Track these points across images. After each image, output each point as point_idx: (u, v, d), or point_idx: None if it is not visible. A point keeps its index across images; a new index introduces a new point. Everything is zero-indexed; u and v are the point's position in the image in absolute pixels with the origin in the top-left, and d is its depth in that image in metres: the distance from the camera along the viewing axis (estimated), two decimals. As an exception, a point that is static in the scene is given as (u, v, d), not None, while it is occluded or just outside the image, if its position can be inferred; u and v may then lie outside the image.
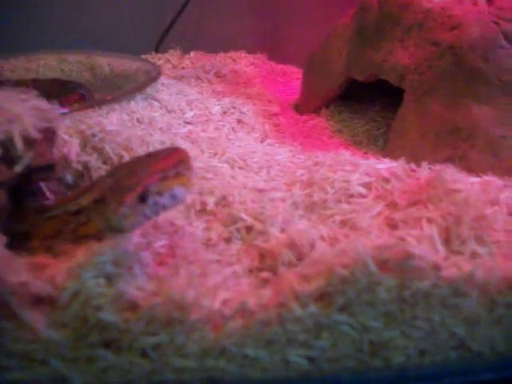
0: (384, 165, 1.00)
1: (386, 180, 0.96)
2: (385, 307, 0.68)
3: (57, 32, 1.71)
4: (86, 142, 0.92)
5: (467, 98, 1.07)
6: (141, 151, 0.97)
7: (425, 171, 0.97)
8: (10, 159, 0.75)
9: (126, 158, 0.94)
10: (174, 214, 0.92)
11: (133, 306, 0.64)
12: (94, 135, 0.92)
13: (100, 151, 0.93)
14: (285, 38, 1.74)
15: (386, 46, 1.20)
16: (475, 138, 1.06)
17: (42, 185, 0.84)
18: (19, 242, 0.71)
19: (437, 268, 0.69)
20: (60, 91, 1.32)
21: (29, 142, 0.76)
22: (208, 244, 0.85)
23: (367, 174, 0.98)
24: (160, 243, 0.83)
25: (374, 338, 0.69)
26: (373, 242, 0.78)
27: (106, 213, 0.68)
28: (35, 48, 1.67)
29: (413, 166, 1.00)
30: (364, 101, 1.36)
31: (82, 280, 0.65)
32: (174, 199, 0.72)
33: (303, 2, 1.72)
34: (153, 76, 1.29)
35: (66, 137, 0.91)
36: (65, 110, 1.02)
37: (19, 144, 0.75)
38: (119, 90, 1.48)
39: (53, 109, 0.84)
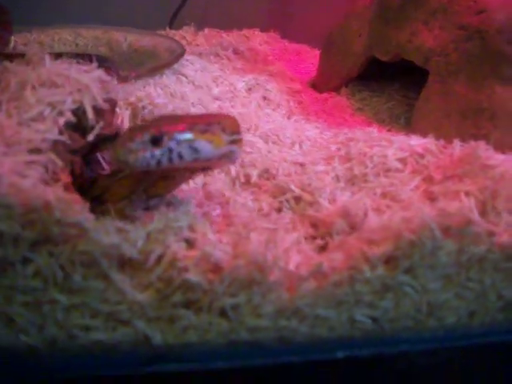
0: (415, 141, 1.05)
1: (421, 155, 1.01)
2: (444, 270, 0.73)
3: (69, 7, 1.70)
4: (135, 114, 0.95)
5: (491, 79, 1.13)
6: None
7: (457, 147, 1.02)
8: (81, 128, 0.77)
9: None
10: (220, 186, 0.96)
11: (216, 268, 0.68)
12: (143, 107, 0.95)
13: (149, 123, 0.95)
14: (297, 17, 1.76)
15: (409, 26, 1.25)
16: (498, 118, 1.12)
17: (98, 155, 0.86)
18: (93, 207, 0.73)
19: (491, 234, 0.74)
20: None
21: (98, 111, 0.78)
22: (260, 214, 0.89)
23: (402, 150, 1.03)
24: (215, 212, 0.87)
25: (431, 299, 0.75)
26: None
27: (116, 145, 0.69)
28: (46, 23, 1.65)
29: (442, 142, 1.05)
30: (382, 79, 1.40)
31: (166, 244, 0.68)
32: (196, 153, 0.72)
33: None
34: (180, 51, 1.31)
35: (117, 108, 0.93)
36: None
37: (90, 113, 0.77)
38: (138, 65, 1.49)
39: (112, 80, 0.86)
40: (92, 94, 0.78)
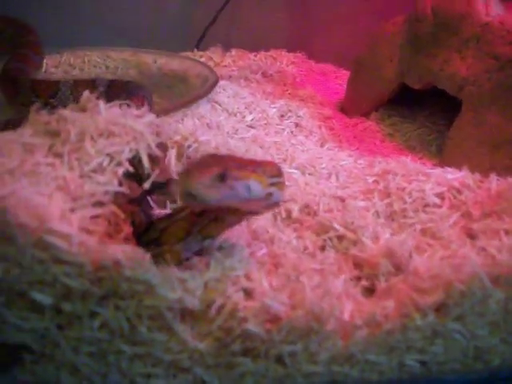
0: (452, 175, 1.07)
1: (458, 190, 1.03)
2: (492, 317, 0.76)
3: (97, 29, 1.73)
4: (181, 153, 0.97)
5: (526, 110, 1.15)
6: (228, 160, 1.01)
7: (493, 182, 1.03)
8: (137, 176, 0.80)
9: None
10: (263, 222, 0.98)
11: (274, 318, 0.70)
12: (189, 146, 0.97)
13: (193, 161, 0.98)
14: (321, 36, 1.78)
15: (442, 55, 1.26)
16: (532, 148, 1.13)
17: (149, 197, 0.89)
18: (150, 250, 0.75)
19: (539, 282, 0.76)
20: (120, 93, 1.35)
21: (153, 159, 0.81)
22: (306, 253, 0.91)
23: (439, 184, 1.04)
24: (261, 252, 0.89)
25: (478, 343, 0.77)
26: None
27: (188, 180, 0.70)
28: (75, 45, 1.68)
29: (478, 176, 1.07)
30: (412, 105, 1.42)
31: (226, 294, 0.70)
32: (248, 192, 0.75)
33: (340, 1, 1.76)
34: (214, 80, 1.33)
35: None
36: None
37: (146, 162, 0.79)
38: (168, 88, 1.51)
39: (162, 123, 0.88)
40: (147, 141, 0.80)
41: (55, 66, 1.63)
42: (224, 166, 0.73)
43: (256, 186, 0.76)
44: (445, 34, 1.27)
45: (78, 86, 1.37)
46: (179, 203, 0.88)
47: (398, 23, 1.42)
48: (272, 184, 0.79)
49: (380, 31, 1.47)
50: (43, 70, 1.59)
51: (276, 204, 0.83)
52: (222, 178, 0.72)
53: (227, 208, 0.78)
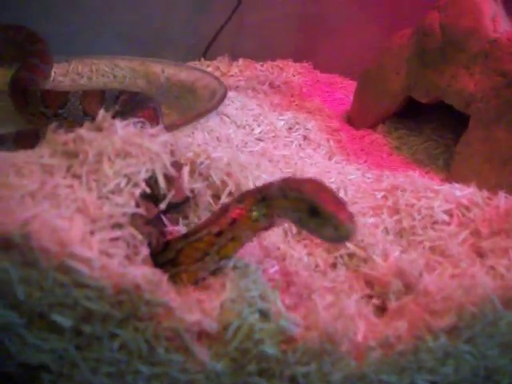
0: (460, 192, 1.08)
1: (466, 207, 1.04)
2: (502, 338, 0.77)
3: (105, 37, 1.73)
4: (194, 169, 0.98)
5: (532, 127, 1.16)
6: (240, 176, 1.02)
7: (502, 200, 1.04)
8: (153, 196, 0.81)
9: (229, 183, 1.00)
10: (274, 238, 0.99)
11: (289, 339, 0.71)
12: (201, 163, 0.98)
13: (206, 177, 0.99)
14: (328, 47, 1.79)
15: (449, 70, 1.27)
16: (539, 165, 1.15)
17: (163, 216, 0.90)
18: (167, 271, 0.76)
19: (547, 304, 0.77)
20: (129, 104, 1.36)
21: (168, 179, 0.82)
22: (317, 270, 0.92)
23: (447, 201, 1.05)
24: (273, 269, 0.90)
25: (489, 364, 0.78)
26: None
27: (336, 224, 0.73)
28: (83, 53, 1.69)
29: (486, 192, 1.08)
30: (419, 118, 1.43)
31: (243, 316, 0.71)
32: None
33: (346, 12, 1.77)
34: (223, 92, 1.34)
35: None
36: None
37: (162, 183, 0.80)
38: (176, 99, 1.52)
39: (176, 141, 0.89)
40: (162, 162, 0.81)
41: (63, 74, 1.64)
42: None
43: None
44: (452, 50, 1.28)
45: (87, 97, 1.38)
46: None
47: (405, 36, 1.43)
48: None
49: (387, 44, 1.48)
50: (51, 79, 1.60)
51: None
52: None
53: (248, 224, 0.80)
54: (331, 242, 0.79)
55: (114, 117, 0.87)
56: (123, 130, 0.84)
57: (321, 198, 0.76)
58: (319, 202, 0.75)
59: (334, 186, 1.17)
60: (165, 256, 0.79)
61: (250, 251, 0.92)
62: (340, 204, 0.76)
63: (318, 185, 0.79)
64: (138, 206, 0.76)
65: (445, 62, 1.29)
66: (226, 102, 1.38)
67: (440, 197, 1.07)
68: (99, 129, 0.85)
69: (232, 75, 1.68)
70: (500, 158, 1.18)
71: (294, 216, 0.78)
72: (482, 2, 1.29)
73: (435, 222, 1.03)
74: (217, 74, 1.69)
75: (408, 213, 1.04)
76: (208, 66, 1.72)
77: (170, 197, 0.80)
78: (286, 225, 1.02)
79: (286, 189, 0.79)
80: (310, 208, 0.76)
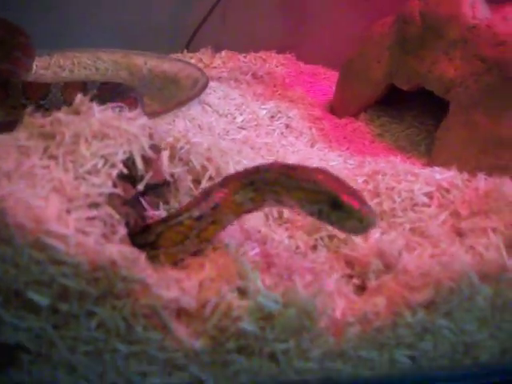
0: (440, 175, 1.09)
1: (446, 190, 1.05)
2: (480, 313, 0.77)
3: (87, 30, 1.73)
4: (174, 154, 0.97)
5: (511, 111, 1.17)
6: (221, 161, 1.02)
7: (481, 182, 1.05)
8: (131, 177, 0.81)
9: (210, 168, 1.00)
10: (255, 222, 0.99)
11: (268, 316, 0.71)
12: (181, 148, 0.98)
13: (186, 162, 0.99)
14: (311, 38, 1.80)
15: (429, 57, 1.28)
16: (518, 148, 1.16)
17: (142, 199, 0.89)
18: (146, 252, 0.76)
19: (525, 279, 0.78)
20: (112, 95, 1.35)
21: (146, 161, 0.82)
22: (297, 252, 0.93)
23: (428, 184, 1.06)
24: (254, 251, 0.90)
25: (467, 339, 0.79)
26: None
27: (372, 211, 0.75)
28: (65, 46, 1.68)
29: (466, 175, 1.09)
30: (400, 105, 1.44)
31: (222, 294, 0.71)
32: None
33: (329, 3, 1.78)
34: (204, 81, 1.34)
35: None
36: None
37: (140, 164, 0.80)
38: (159, 90, 1.52)
39: (155, 126, 0.89)
40: (140, 143, 0.81)
41: (45, 67, 1.63)
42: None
43: None
44: (432, 37, 1.29)
45: (69, 88, 1.37)
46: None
47: (386, 24, 1.44)
48: None
49: (368, 33, 1.49)
50: (33, 71, 1.59)
51: None
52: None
53: (231, 208, 0.80)
54: (353, 233, 0.81)
55: (91, 100, 0.87)
56: (101, 113, 0.84)
57: (340, 190, 0.77)
58: (341, 196, 0.76)
59: (315, 172, 1.18)
60: (144, 238, 0.79)
61: (230, 234, 0.92)
62: (359, 196, 0.77)
63: (330, 175, 0.80)
64: (115, 186, 0.76)
65: (425, 48, 1.30)
66: (208, 91, 1.38)
67: (420, 180, 1.07)
68: (77, 112, 0.85)
69: (215, 67, 1.68)
70: (479, 142, 1.19)
71: (312, 208, 0.79)
72: (461, -11, 1.30)
73: (415, 205, 1.03)
74: (200, 65, 1.68)
75: (388, 196, 1.04)
76: (191, 57, 1.72)
77: (147, 178, 0.80)
78: (267, 209, 1.03)
79: (294, 178, 0.80)
80: (332, 201, 0.76)
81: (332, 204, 0.76)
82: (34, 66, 1.61)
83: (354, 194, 0.77)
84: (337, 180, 0.79)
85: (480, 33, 1.21)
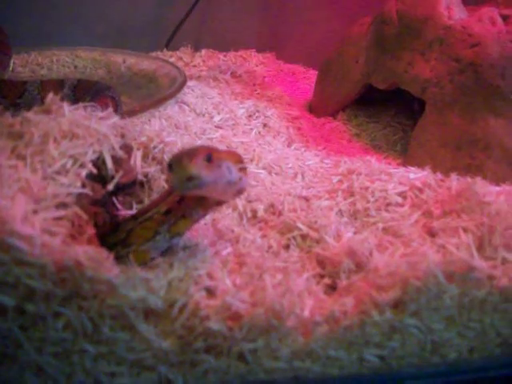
0: (414, 174, 1.10)
1: (420, 189, 1.06)
2: (447, 312, 0.78)
3: (67, 28, 1.72)
4: (147, 154, 0.97)
5: (485, 111, 1.18)
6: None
7: (454, 181, 1.06)
8: (101, 177, 0.80)
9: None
10: (229, 222, 0.99)
11: (236, 316, 0.72)
12: (154, 147, 0.98)
13: (159, 162, 0.98)
14: (291, 37, 1.80)
15: (406, 57, 1.29)
16: (492, 148, 1.17)
17: (114, 198, 0.89)
18: (117, 251, 0.76)
19: (492, 278, 0.79)
20: (88, 93, 1.35)
21: (116, 160, 0.82)
22: (270, 251, 0.93)
23: (401, 184, 1.07)
24: (226, 251, 0.90)
25: (435, 338, 0.79)
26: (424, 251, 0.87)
27: (185, 165, 0.70)
28: (44, 44, 1.67)
29: (439, 175, 1.10)
30: (378, 105, 1.45)
31: (189, 293, 0.72)
32: (230, 173, 0.78)
33: (309, 2, 1.78)
34: (182, 80, 1.34)
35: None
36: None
37: (110, 164, 0.80)
38: (137, 89, 1.52)
39: (127, 125, 0.89)
40: (110, 143, 0.81)
41: (23, 65, 1.62)
42: (206, 150, 0.74)
43: (233, 168, 0.79)
44: (409, 37, 1.30)
45: (46, 86, 1.37)
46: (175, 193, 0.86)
47: (364, 24, 1.45)
48: (240, 169, 0.81)
49: (347, 32, 1.49)
50: (10, 69, 1.58)
51: (243, 190, 0.85)
52: (209, 159, 0.73)
53: (196, 200, 0.80)
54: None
55: (62, 100, 0.86)
56: (71, 113, 0.83)
57: None
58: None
59: (291, 172, 1.18)
60: (115, 237, 0.79)
61: (203, 233, 0.92)
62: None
63: None
64: (84, 186, 0.76)
65: (402, 48, 1.30)
66: (186, 90, 1.38)
67: (394, 179, 1.08)
68: (48, 112, 0.85)
69: (195, 65, 1.68)
70: (454, 142, 1.20)
71: None
72: (438, -11, 1.31)
73: (389, 204, 1.04)
74: (180, 64, 1.68)
75: (362, 195, 1.05)
76: (171, 56, 1.71)
77: (117, 178, 0.80)
78: (241, 208, 1.03)
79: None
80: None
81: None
82: (12, 64, 1.59)
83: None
84: None
85: (455, 33, 1.22)
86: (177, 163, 0.71)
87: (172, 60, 1.69)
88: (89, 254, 0.66)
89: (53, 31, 1.71)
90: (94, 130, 0.81)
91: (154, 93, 1.43)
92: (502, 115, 1.17)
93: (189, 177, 0.70)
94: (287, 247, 0.95)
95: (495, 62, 1.17)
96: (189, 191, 0.74)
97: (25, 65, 1.63)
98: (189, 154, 0.72)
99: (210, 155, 0.73)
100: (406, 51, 1.30)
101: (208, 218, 0.98)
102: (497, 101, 1.17)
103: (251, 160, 1.18)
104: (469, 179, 1.03)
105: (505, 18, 1.25)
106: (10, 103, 1.36)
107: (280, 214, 1.01)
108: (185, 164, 0.71)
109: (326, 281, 0.87)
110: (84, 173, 0.76)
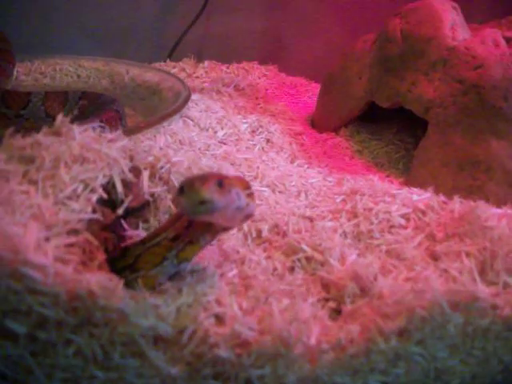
0: (417, 196, 1.11)
1: (423, 212, 1.07)
2: (451, 340, 0.79)
3: (70, 37, 1.72)
4: (154, 173, 0.98)
5: (487, 133, 1.19)
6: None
7: (457, 204, 1.07)
8: (111, 201, 0.81)
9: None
10: (234, 242, 1.00)
11: (244, 343, 0.72)
12: (161, 167, 0.98)
13: (166, 182, 0.99)
14: (293, 50, 1.81)
15: (410, 76, 1.30)
16: (493, 170, 1.18)
17: (122, 221, 0.90)
18: (125, 276, 0.77)
19: (495, 308, 0.80)
20: (92, 106, 1.35)
21: (126, 184, 0.82)
22: (275, 274, 0.94)
23: (404, 205, 1.08)
24: (232, 273, 0.91)
25: (439, 365, 0.81)
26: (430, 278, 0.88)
27: (197, 189, 0.71)
28: (47, 53, 1.67)
29: (442, 197, 1.11)
30: (381, 121, 1.46)
31: (199, 321, 0.72)
32: (239, 199, 0.78)
33: (312, 16, 1.79)
34: (187, 95, 1.34)
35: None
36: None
37: (120, 188, 0.81)
38: (141, 100, 1.52)
39: (135, 146, 0.90)
40: (120, 167, 0.82)
41: (26, 73, 1.62)
42: (217, 176, 0.75)
43: (241, 193, 0.79)
44: (413, 57, 1.31)
45: (50, 98, 1.37)
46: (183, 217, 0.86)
47: (368, 41, 1.46)
48: (248, 195, 0.82)
49: (350, 48, 1.50)
50: (14, 77, 1.58)
51: (250, 216, 0.85)
52: (221, 184, 0.74)
53: (204, 226, 0.80)
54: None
55: (72, 121, 0.87)
56: (81, 135, 0.84)
57: None
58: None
59: (295, 190, 1.19)
60: (123, 262, 0.79)
61: (209, 255, 0.93)
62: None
63: None
64: (94, 211, 0.76)
65: (405, 68, 1.32)
66: (190, 104, 1.38)
67: (397, 201, 1.09)
68: (57, 134, 0.85)
69: (197, 77, 1.69)
70: (456, 163, 1.21)
71: None
72: (442, 10, 1.32)
73: (392, 226, 1.05)
74: (182, 75, 1.69)
75: (366, 217, 1.06)
76: (174, 67, 1.72)
77: (127, 202, 0.80)
78: (246, 228, 1.04)
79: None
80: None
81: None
82: (15, 72, 1.60)
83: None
84: None
85: (459, 55, 1.23)
86: (189, 187, 0.72)
87: (175, 71, 1.69)
88: (101, 283, 0.66)
89: (55, 39, 1.71)
90: (104, 154, 0.81)
91: (158, 105, 1.44)
92: (505, 137, 1.18)
93: (201, 200, 0.71)
94: (292, 269, 0.96)
95: (498, 83, 1.18)
96: (200, 215, 0.74)
97: (28, 73, 1.63)
98: (201, 178, 0.73)
99: (222, 181, 0.74)
100: (409, 71, 1.31)
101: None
102: (499, 122, 1.19)
103: (255, 177, 1.19)
104: (471, 202, 1.04)
105: (508, 40, 1.26)
106: (14, 114, 1.37)
107: (284, 234, 1.02)
108: (197, 187, 0.71)
109: (331, 304, 0.89)
110: (94, 198, 0.77)
